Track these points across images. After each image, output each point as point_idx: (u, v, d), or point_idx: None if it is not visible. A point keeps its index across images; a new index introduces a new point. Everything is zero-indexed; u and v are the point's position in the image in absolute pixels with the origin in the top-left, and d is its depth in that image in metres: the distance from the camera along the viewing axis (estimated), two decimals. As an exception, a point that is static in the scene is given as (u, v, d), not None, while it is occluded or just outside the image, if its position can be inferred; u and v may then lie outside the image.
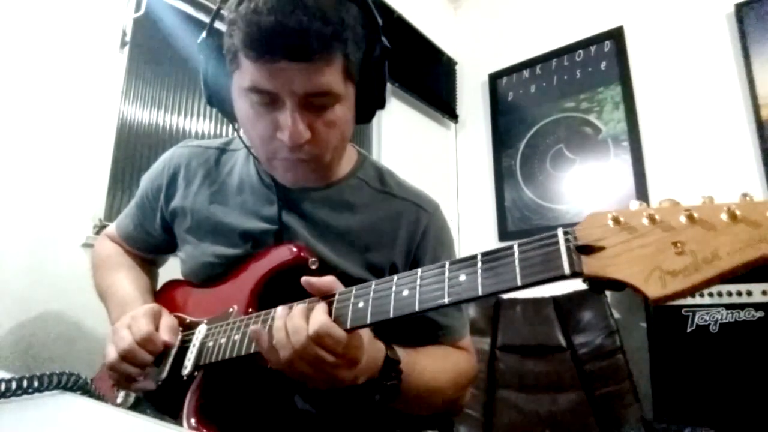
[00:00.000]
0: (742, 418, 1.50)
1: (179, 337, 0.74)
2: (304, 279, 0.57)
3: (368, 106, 0.73)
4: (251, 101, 0.65)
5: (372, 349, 0.58)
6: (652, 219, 0.38)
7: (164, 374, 0.71)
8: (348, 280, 0.72)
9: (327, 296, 0.57)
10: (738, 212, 0.35)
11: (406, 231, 0.77)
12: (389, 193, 0.80)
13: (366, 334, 0.57)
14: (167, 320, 0.72)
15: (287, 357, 0.54)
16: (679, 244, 0.36)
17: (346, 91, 0.66)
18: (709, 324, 1.63)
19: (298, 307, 0.56)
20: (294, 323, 0.54)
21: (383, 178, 0.83)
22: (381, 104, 0.73)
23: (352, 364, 0.55)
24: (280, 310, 0.57)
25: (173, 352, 0.73)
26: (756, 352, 1.53)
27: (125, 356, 0.66)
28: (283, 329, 0.54)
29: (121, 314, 0.76)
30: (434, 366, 0.69)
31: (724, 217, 0.36)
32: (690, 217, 0.37)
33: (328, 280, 0.58)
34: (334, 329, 0.52)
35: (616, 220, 0.40)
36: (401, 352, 0.61)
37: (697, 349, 1.63)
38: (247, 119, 0.67)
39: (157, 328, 0.70)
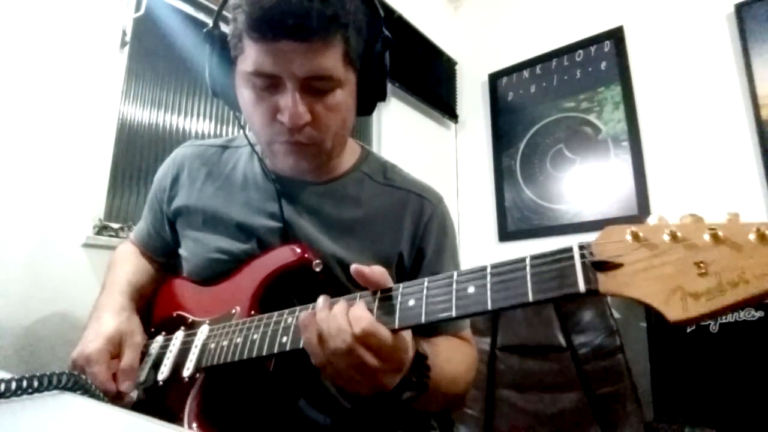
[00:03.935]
0: (742, 418, 1.50)
1: (181, 338, 0.74)
2: (354, 267, 0.53)
3: (369, 97, 0.73)
4: (253, 86, 0.66)
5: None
6: (673, 236, 0.36)
7: (166, 374, 0.71)
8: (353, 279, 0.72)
9: (334, 303, 0.54)
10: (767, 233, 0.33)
11: (410, 221, 0.77)
12: (393, 186, 0.81)
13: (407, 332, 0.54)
14: (127, 358, 0.70)
15: (332, 349, 0.50)
16: (702, 265, 0.34)
17: (346, 76, 0.67)
18: (709, 324, 1.63)
19: (341, 305, 0.52)
20: (338, 322, 0.50)
21: (386, 171, 0.83)
22: (382, 96, 0.74)
23: (400, 369, 0.52)
24: (321, 301, 0.54)
25: (175, 352, 0.73)
26: (756, 352, 1.53)
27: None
28: (326, 321, 0.51)
29: (95, 313, 0.77)
30: (451, 357, 0.68)
31: (752, 237, 0.33)
32: (714, 236, 0.34)
33: (381, 272, 0.53)
34: (379, 328, 0.49)
35: (635, 236, 0.38)
36: (426, 346, 0.60)
37: (697, 349, 1.63)
38: (249, 104, 0.68)
39: (114, 357, 0.70)
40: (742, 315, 1.59)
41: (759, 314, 1.57)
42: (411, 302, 0.49)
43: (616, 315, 1.88)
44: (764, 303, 1.54)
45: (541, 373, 1.80)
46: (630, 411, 1.60)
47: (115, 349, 0.71)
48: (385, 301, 0.52)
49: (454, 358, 0.70)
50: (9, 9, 1.26)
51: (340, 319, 0.50)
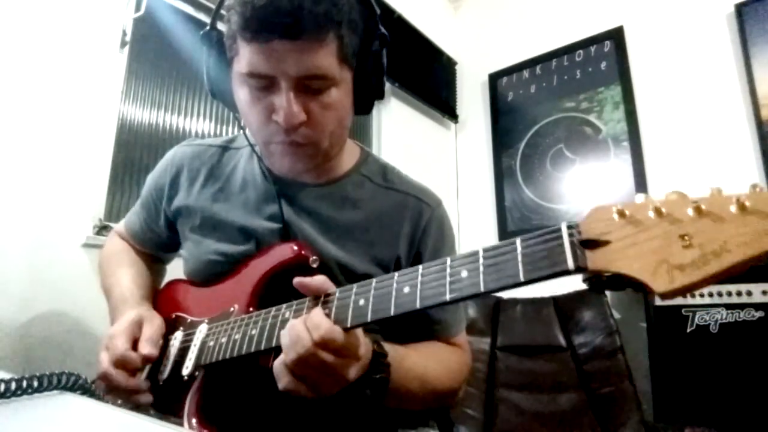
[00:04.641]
0: (742, 418, 1.50)
1: (180, 338, 0.74)
2: (296, 281, 0.56)
3: (366, 96, 0.73)
4: (249, 86, 0.66)
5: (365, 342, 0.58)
6: (658, 212, 0.37)
7: (165, 375, 0.71)
8: (353, 275, 0.72)
9: (327, 294, 0.56)
10: (748, 203, 0.34)
11: (409, 224, 0.77)
12: (392, 188, 0.80)
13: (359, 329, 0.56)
14: (148, 331, 0.71)
15: (293, 359, 0.52)
16: (686, 237, 0.35)
17: (341, 75, 0.66)
18: (709, 324, 1.63)
19: (297, 322, 0.54)
20: (296, 331, 0.52)
21: (386, 173, 0.83)
22: (380, 94, 0.73)
23: (356, 360, 0.54)
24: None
25: (174, 352, 0.73)
26: (756, 352, 1.53)
27: (104, 381, 0.66)
28: (286, 336, 0.54)
29: (114, 317, 0.78)
30: (424, 362, 0.69)
31: (733, 209, 0.34)
32: (698, 209, 0.35)
33: (320, 280, 0.57)
34: (336, 333, 0.51)
35: (621, 214, 0.39)
36: (388, 347, 0.61)
37: (697, 349, 1.63)
38: (245, 105, 0.68)
39: (136, 342, 0.69)
40: (742, 315, 1.59)
41: (759, 314, 1.57)
42: (406, 289, 0.50)
43: (616, 315, 1.88)
44: (764, 303, 1.55)
45: (541, 373, 1.80)
46: (630, 411, 1.60)
47: (138, 330, 0.71)
48: (381, 289, 0.53)
49: (431, 362, 0.70)
50: (9, 9, 1.26)
51: (299, 327, 0.52)
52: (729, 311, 1.61)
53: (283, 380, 0.54)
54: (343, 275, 0.72)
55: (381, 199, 0.79)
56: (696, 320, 1.66)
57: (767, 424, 1.44)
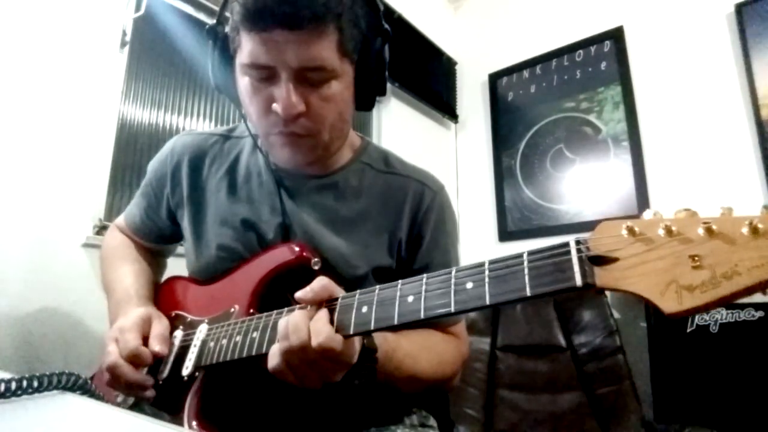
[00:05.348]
0: (742, 418, 1.50)
1: (180, 337, 0.74)
2: (297, 296, 0.56)
3: (368, 91, 0.73)
4: (250, 77, 0.66)
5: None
6: (668, 230, 0.37)
7: (165, 374, 0.71)
8: (356, 268, 0.73)
9: (330, 301, 0.56)
10: (760, 226, 0.33)
11: (410, 206, 0.77)
12: (394, 173, 0.81)
13: None
14: (157, 328, 0.71)
15: (285, 348, 0.53)
16: (696, 258, 0.35)
17: (342, 68, 0.66)
18: (709, 324, 1.63)
19: (301, 315, 0.54)
20: (295, 322, 0.53)
21: (388, 160, 0.83)
22: (381, 90, 0.73)
23: (346, 367, 0.55)
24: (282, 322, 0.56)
25: (174, 351, 0.73)
26: (756, 352, 1.53)
27: (112, 372, 0.66)
28: (284, 323, 0.54)
29: (116, 314, 0.77)
30: (416, 353, 0.68)
31: (745, 231, 0.34)
32: (708, 230, 0.35)
33: (321, 287, 0.55)
34: (336, 342, 0.51)
35: (630, 231, 0.38)
36: (380, 339, 0.60)
37: (697, 349, 1.63)
38: (246, 96, 0.68)
39: (146, 338, 0.69)
40: (742, 315, 1.59)
41: (759, 314, 1.57)
42: (410, 298, 0.50)
43: (616, 315, 1.88)
44: (764, 303, 1.55)
45: (541, 373, 1.80)
46: (630, 411, 1.60)
47: (147, 327, 0.71)
48: (384, 297, 0.52)
49: (424, 353, 0.70)
50: (9, 9, 1.26)
51: (299, 320, 0.53)
52: (729, 311, 1.61)
53: (273, 362, 0.54)
54: (347, 267, 0.72)
55: (383, 184, 0.79)
56: (696, 320, 1.66)
57: (767, 424, 1.44)
